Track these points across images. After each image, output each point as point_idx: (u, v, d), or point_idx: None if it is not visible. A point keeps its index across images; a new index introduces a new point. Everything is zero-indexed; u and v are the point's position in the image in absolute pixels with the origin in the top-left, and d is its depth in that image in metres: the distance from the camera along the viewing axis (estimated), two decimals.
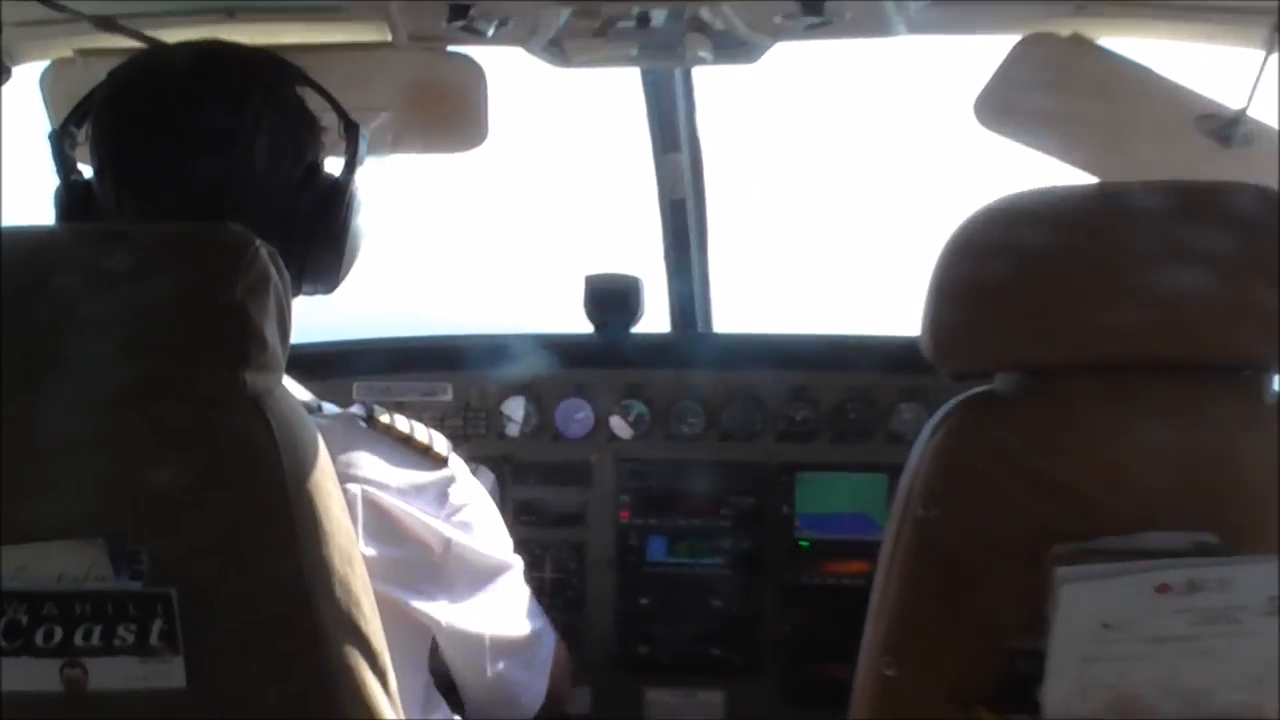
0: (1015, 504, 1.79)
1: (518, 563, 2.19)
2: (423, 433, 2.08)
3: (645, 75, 2.97)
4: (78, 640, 1.66)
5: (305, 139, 2.06)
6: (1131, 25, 2.62)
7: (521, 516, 3.23)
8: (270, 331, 1.65)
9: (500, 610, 2.18)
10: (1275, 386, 1.80)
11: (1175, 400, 1.79)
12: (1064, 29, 2.63)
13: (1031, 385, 1.81)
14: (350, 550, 1.79)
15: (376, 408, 2.08)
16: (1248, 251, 1.75)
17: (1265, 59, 2.41)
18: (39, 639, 1.67)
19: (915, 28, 2.47)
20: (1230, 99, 2.54)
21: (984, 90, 2.69)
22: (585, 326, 3.29)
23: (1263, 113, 2.54)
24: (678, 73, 2.96)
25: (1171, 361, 1.77)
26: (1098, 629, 1.74)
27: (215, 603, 1.70)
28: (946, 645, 1.83)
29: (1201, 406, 1.80)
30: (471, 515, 2.10)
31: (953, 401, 1.84)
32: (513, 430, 3.23)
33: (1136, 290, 1.74)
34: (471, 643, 2.14)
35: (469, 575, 2.08)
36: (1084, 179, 2.64)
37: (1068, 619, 1.73)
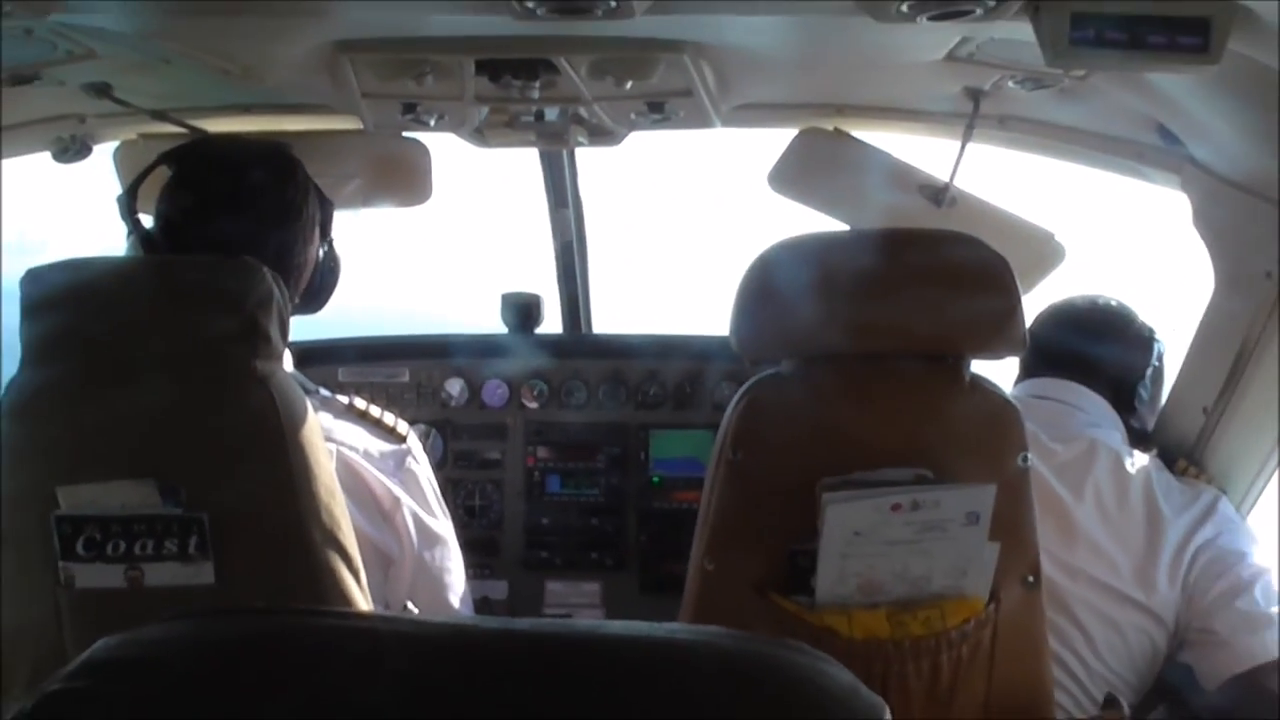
0: (795, 450, 1.79)
1: (453, 538, 2.13)
2: (389, 417, 2.06)
3: (541, 154, 2.95)
4: (136, 550, 1.68)
5: (309, 212, 2.06)
6: (874, 124, 2.64)
7: (458, 462, 3.21)
8: (274, 332, 1.69)
9: (437, 578, 2.12)
10: (969, 370, 1.81)
11: (904, 379, 1.80)
12: (829, 125, 2.63)
13: (807, 368, 1.81)
14: (333, 486, 1.77)
15: (355, 397, 2.05)
16: (952, 277, 1.76)
17: (962, 147, 2.44)
18: (109, 550, 1.68)
19: (728, 123, 2.47)
20: (941, 173, 2.57)
21: (774, 167, 2.69)
22: (503, 329, 3.27)
23: (964, 183, 2.57)
24: (564, 152, 2.93)
25: (901, 352, 1.78)
26: (852, 536, 1.74)
27: (235, 523, 1.69)
28: (749, 549, 1.83)
29: (921, 383, 1.80)
30: (421, 483, 2.06)
31: (752, 379, 1.83)
32: (451, 402, 3.20)
33: (877, 302, 1.75)
34: (429, 573, 2.09)
35: (413, 532, 2.04)
36: (844, 227, 2.66)
37: (831, 529, 1.73)
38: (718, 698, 0.54)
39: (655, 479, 3.17)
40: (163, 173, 2.02)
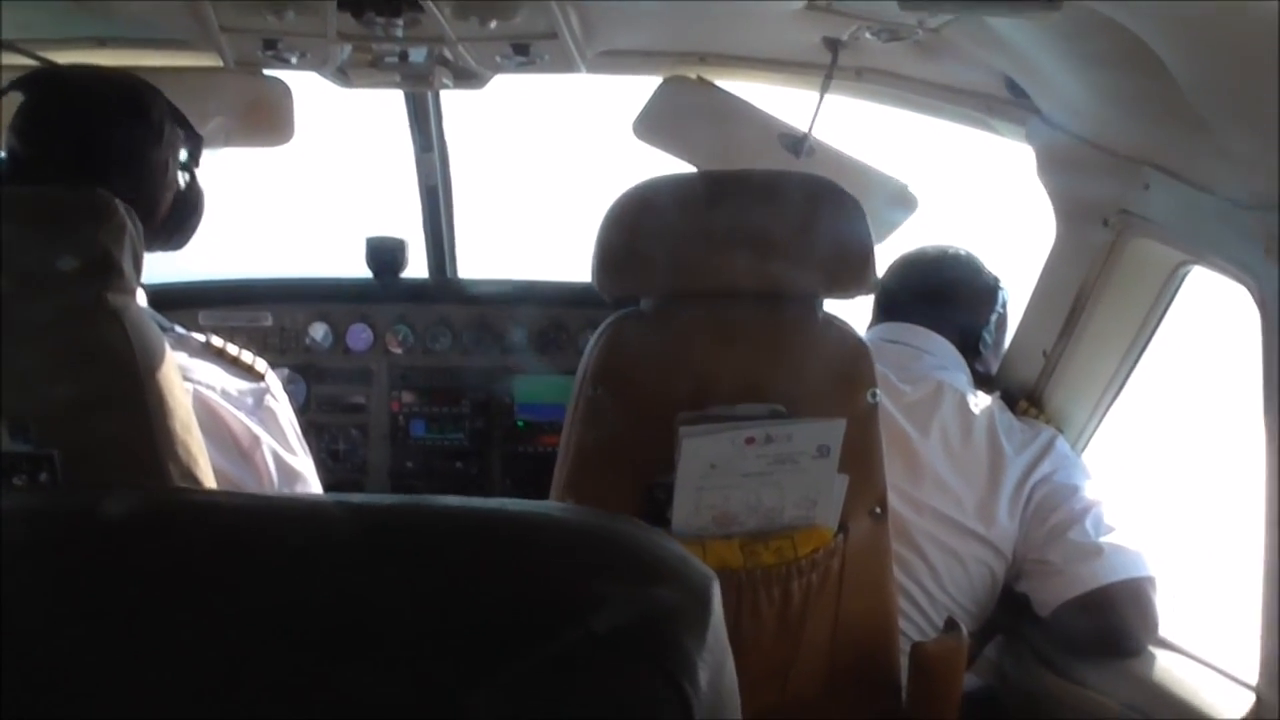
0: (653, 385, 1.81)
1: (314, 476, 2.10)
2: (247, 355, 2.02)
3: (406, 96, 2.91)
4: None
5: (166, 145, 2.00)
6: (737, 73, 2.66)
7: (322, 407, 3.17)
8: (127, 266, 1.63)
9: None
10: (821, 309, 1.85)
11: (758, 317, 1.83)
12: (693, 73, 2.65)
13: (664, 306, 1.83)
14: (189, 422, 1.73)
15: (213, 336, 2.01)
16: (806, 218, 1.79)
17: (820, 97, 2.47)
18: None
19: (593, 69, 2.47)
20: (800, 124, 2.60)
21: (639, 115, 2.70)
22: (367, 273, 3.22)
23: (822, 134, 2.61)
24: (430, 95, 2.90)
25: (756, 290, 1.81)
26: (707, 468, 1.77)
27: (89, 458, 1.63)
28: (607, 483, 1.84)
29: (776, 322, 1.83)
30: (280, 421, 2.03)
31: (611, 317, 1.85)
32: (315, 346, 3.16)
33: (733, 242, 1.77)
34: None
35: (273, 470, 2.01)
36: None
37: (687, 462, 1.76)
38: (550, 567, 0.55)
39: (520, 423, 3.17)
40: (13, 103, 1.94)
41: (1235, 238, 1.71)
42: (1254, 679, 1.77)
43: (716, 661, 0.55)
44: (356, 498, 0.60)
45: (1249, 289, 1.71)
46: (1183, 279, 2.18)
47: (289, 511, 0.58)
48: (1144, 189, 1.96)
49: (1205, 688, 1.94)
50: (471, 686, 0.50)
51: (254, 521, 0.57)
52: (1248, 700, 1.78)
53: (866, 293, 1.86)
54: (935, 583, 2.19)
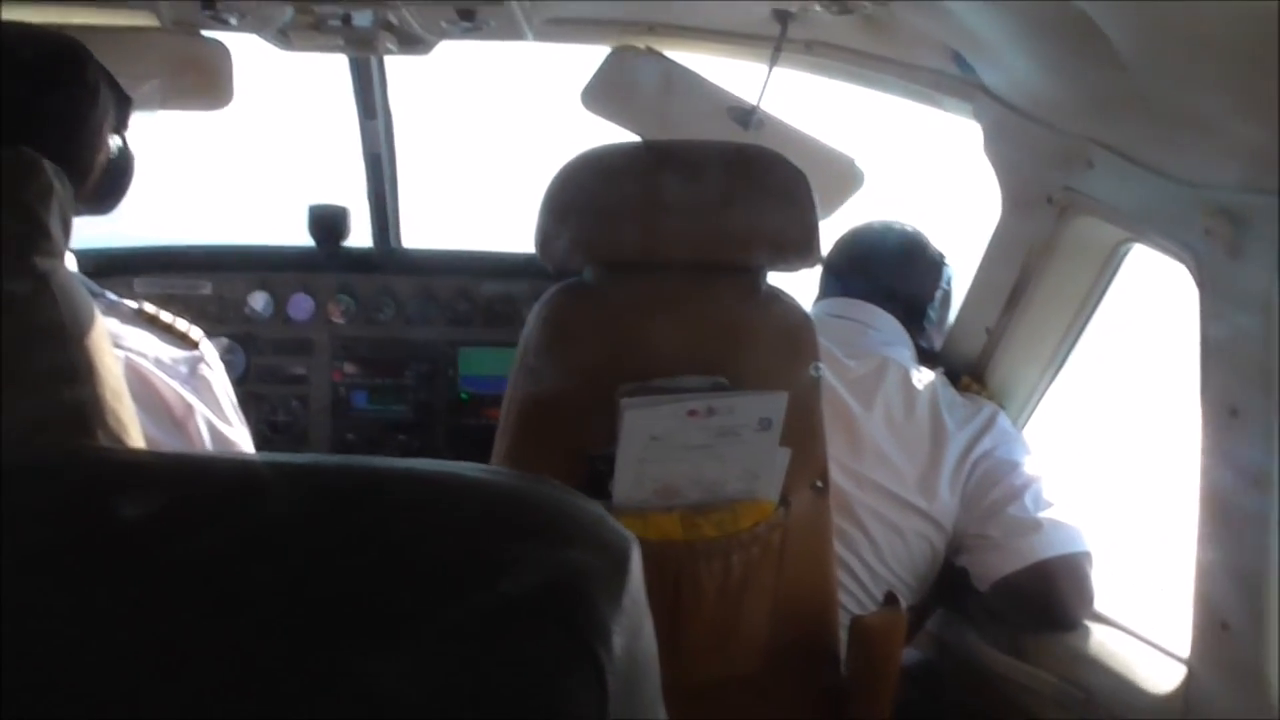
0: (595, 355, 1.80)
1: (249, 446, 2.07)
2: (181, 323, 1.97)
3: (350, 61, 2.86)
4: None
5: (99, 107, 1.94)
6: (686, 44, 2.65)
7: (261, 378, 3.13)
8: (54, 228, 1.57)
9: None
10: (765, 281, 1.85)
11: (702, 289, 1.82)
12: (641, 43, 2.63)
13: (607, 276, 1.82)
14: (120, 390, 1.69)
15: (145, 303, 1.97)
16: (751, 189, 1.79)
17: (769, 70, 2.46)
18: None
19: (541, 36, 2.45)
20: (750, 97, 2.59)
21: (587, 85, 2.68)
22: (309, 242, 3.18)
23: (771, 108, 2.60)
24: (374, 59, 2.86)
25: (700, 261, 1.80)
26: (649, 440, 1.77)
27: (15, 426, 1.59)
28: (549, 454, 1.83)
29: (719, 294, 1.83)
30: (215, 390, 2.00)
31: (554, 287, 1.83)
32: (255, 315, 3.11)
33: (678, 212, 1.76)
34: None
35: (208, 440, 1.98)
36: None
37: (629, 434, 1.75)
38: (460, 528, 0.54)
39: (464, 395, 3.15)
40: None
41: (1176, 217, 1.72)
42: (1186, 652, 1.79)
43: (633, 626, 0.54)
44: (282, 457, 0.59)
45: (1188, 268, 1.72)
46: (1124, 257, 2.19)
47: (205, 470, 0.57)
48: (1088, 166, 1.97)
49: (1139, 661, 1.97)
50: (376, 650, 0.49)
51: (178, 480, 0.56)
52: (1180, 673, 1.81)
53: (811, 266, 1.86)
54: (876, 557, 2.20)
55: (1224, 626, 1.68)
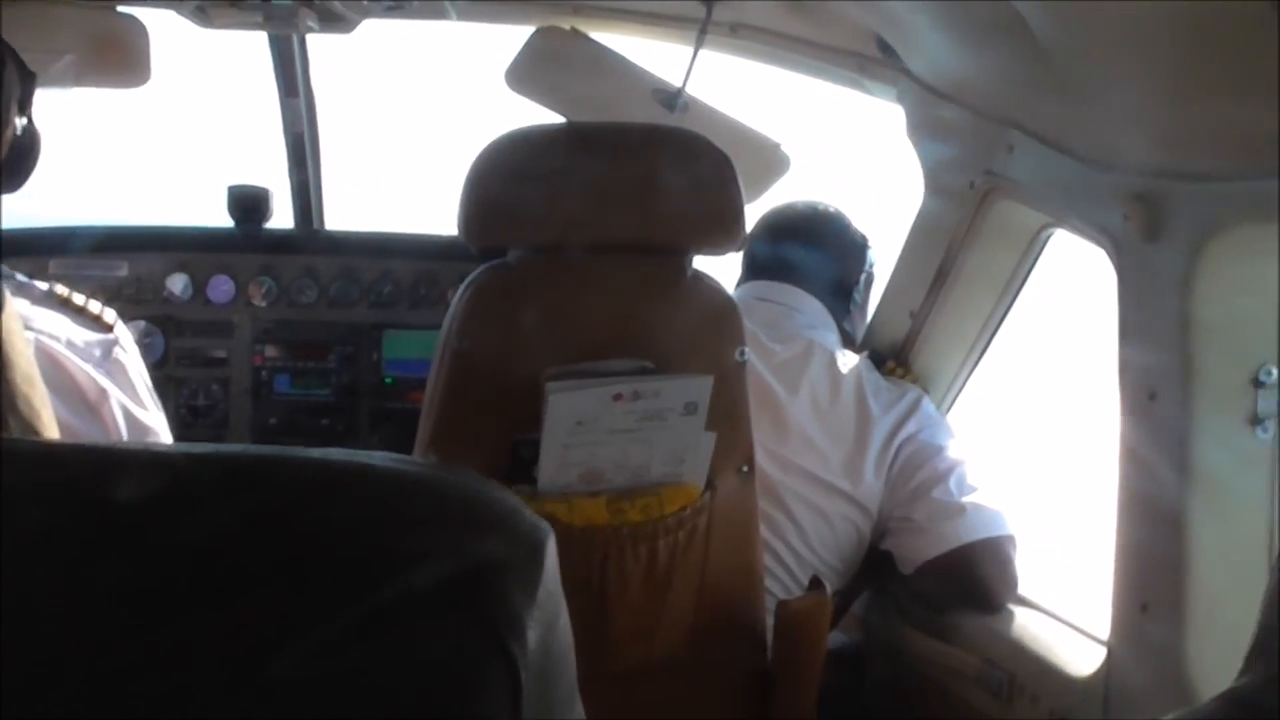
0: (520, 339, 1.78)
1: (165, 430, 2.03)
2: (94, 305, 1.92)
3: (271, 39, 2.81)
4: None
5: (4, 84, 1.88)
6: (611, 25, 2.64)
7: (181, 361, 3.07)
8: None
9: None
10: (691, 265, 1.84)
11: (627, 272, 1.81)
12: (566, 24, 2.61)
13: (532, 258, 1.80)
14: (31, 374, 1.64)
15: (57, 284, 1.91)
16: (676, 172, 1.78)
17: (694, 52, 2.46)
18: None
19: (465, 15, 2.43)
20: (675, 80, 2.58)
21: (511, 64, 2.65)
22: (229, 223, 3.12)
23: (698, 91, 2.59)
24: (295, 37, 2.81)
25: (625, 244, 1.79)
26: (574, 425, 1.76)
27: None
28: (473, 439, 1.82)
29: (645, 277, 1.83)
30: (129, 374, 1.95)
31: (478, 269, 1.81)
32: (174, 298, 3.05)
33: (603, 194, 1.75)
34: None
35: (122, 424, 1.93)
36: None
37: (553, 418, 1.74)
38: (368, 518, 0.52)
39: (388, 379, 3.11)
40: None
41: (1096, 202, 1.74)
42: (1106, 634, 1.82)
43: (548, 619, 0.53)
44: (186, 447, 0.57)
45: (1107, 252, 1.74)
46: (1046, 241, 2.21)
47: (107, 461, 0.55)
48: (1009, 151, 1.98)
49: (1061, 643, 1.99)
50: (280, 645, 0.47)
51: (88, 471, 0.54)
52: (1100, 654, 1.83)
53: (736, 250, 1.86)
54: (802, 541, 2.21)
55: (1143, 608, 1.70)
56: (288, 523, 0.51)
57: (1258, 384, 1.61)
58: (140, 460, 0.55)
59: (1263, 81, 1.30)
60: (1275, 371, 1.61)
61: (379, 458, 0.55)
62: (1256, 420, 1.62)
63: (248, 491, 0.52)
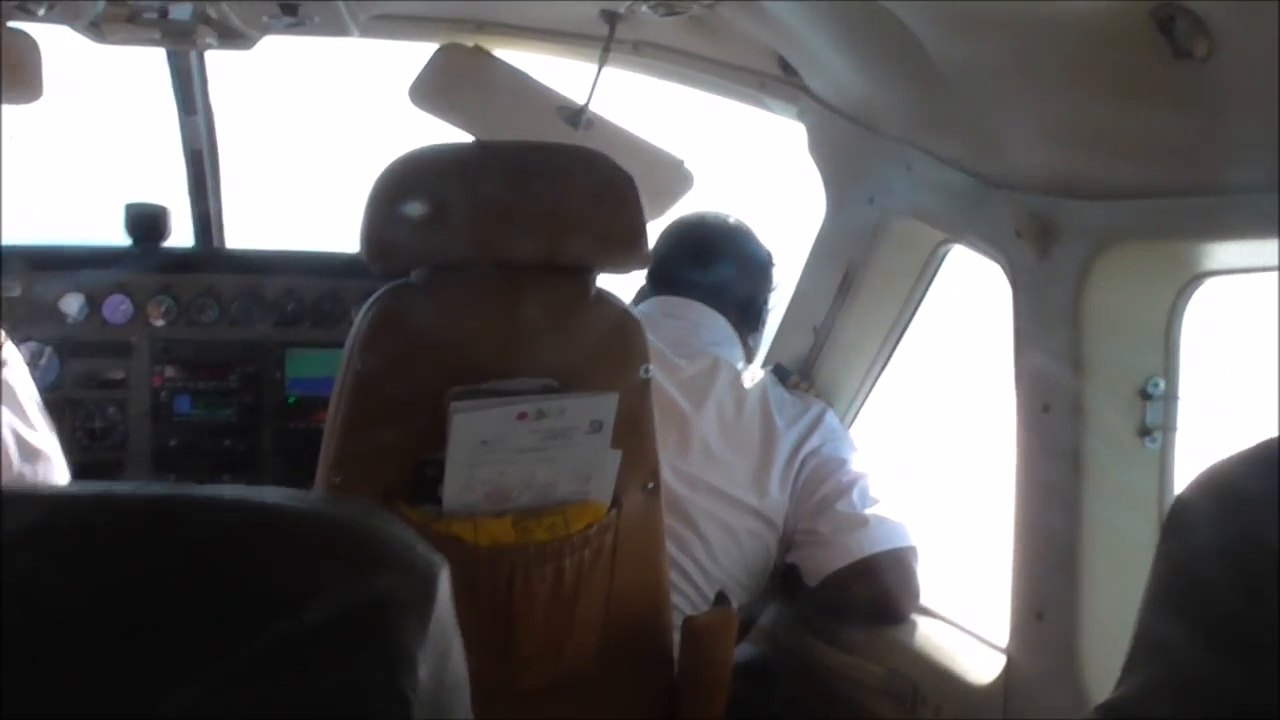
0: (423, 359, 1.78)
1: (58, 453, 1.97)
2: None
3: (168, 55, 2.76)
4: None
5: None
6: (515, 43, 2.64)
7: (77, 383, 2.99)
8: None
9: None
10: (595, 283, 1.85)
11: (530, 291, 1.81)
12: (470, 41, 2.61)
13: (436, 278, 1.80)
14: None
15: None
16: (578, 191, 1.79)
17: (598, 70, 2.47)
18: None
19: (367, 32, 2.41)
20: (580, 97, 2.59)
21: (414, 81, 2.64)
22: (127, 242, 3.06)
23: (603, 108, 2.60)
24: (193, 53, 2.76)
25: (528, 263, 1.79)
26: (479, 444, 1.75)
27: None
28: (377, 459, 1.80)
29: (548, 296, 1.82)
30: (18, 396, 1.90)
31: (381, 289, 1.80)
32: (69, 318, 2.98)
33: (505, 214, 1.75)
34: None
35: (12, 447, 1.88)
36: None
37: (458, 438, 1.73)
38: (257, 555, 0.52)
39: (291, 399, 3.07)
40: None
41: (991, 219, 1.77)
42: (1005, 642, 1.85)
43: (439, 651, 0.53)
44: (75, 488, 0.56)
45: (1002, 268, 1.78)
46: (944, 257, 2.25)
47: (45, 505, 0.53)
48: (907, 169, 2.02)
49: (962, 651, 2.03)
50: (166, 689, 0.46)
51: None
52: (1000, 662, 1.87)
53: (639, 268, 1.87)
54: (709, 556, 2.22)
55: (1039, 616, 1.74)
56: (173, 564, 0.50)
57: (1146, 396, 1.66)
58: (18, 502, 0.54)
59: (1146, 105, 1.34)
60: (1163, 384, 1.66)
61: (270, 493, 0.54)
62: (1145, 431, 1.66)
63: (132, 534, 0.51)
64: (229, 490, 0.54)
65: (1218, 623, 0.57)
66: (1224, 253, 1.58)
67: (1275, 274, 1.56)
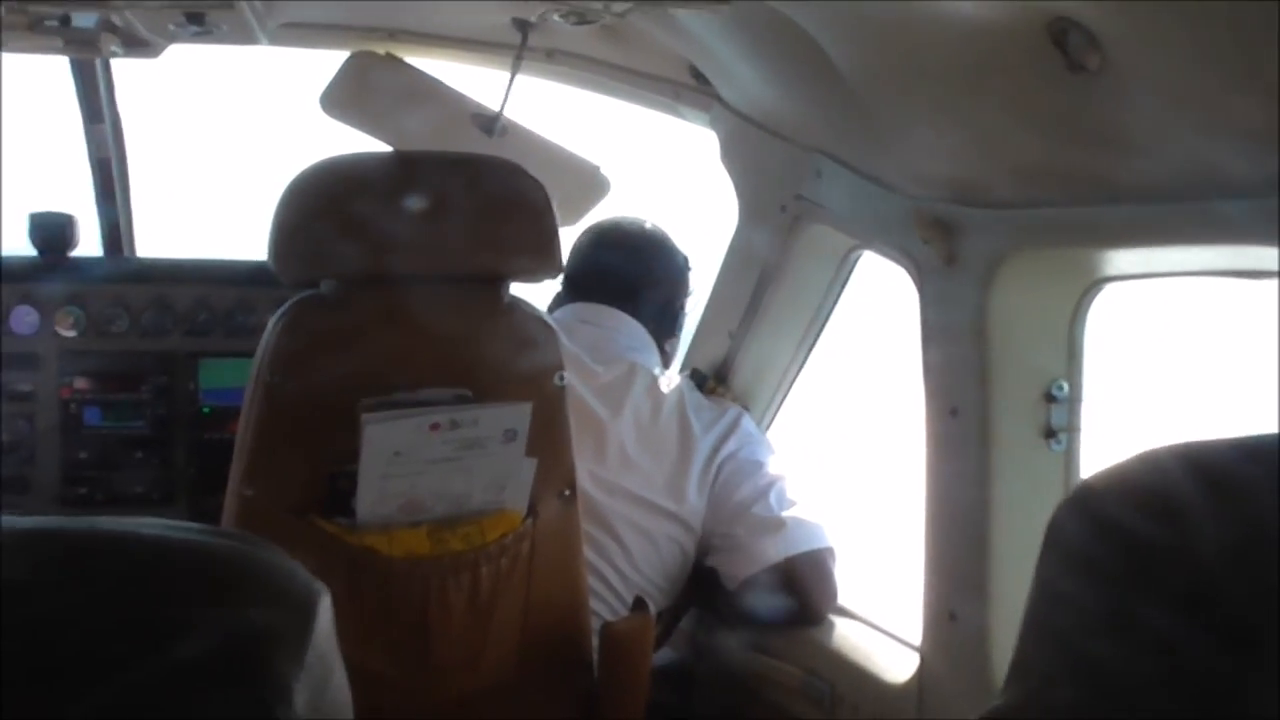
0: (334, 371, 1.76)
1: None
2: None
3: (72, 63, 2.71)
4: None
5: None
6: (427, 51, 2.62)
7: None
8: None
9: None
10: (508, 292, 1.84)
11: (443, 301, 1.81)
12: (382, 49, 2.59)
13: (345, 289, 1.78)
14: None
15: None
16: (489, 201, 1.78)
17: (511, 78, 2.46)
18: None
19: (276, 40, 2.37)
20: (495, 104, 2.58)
21: (325, 89, 2.62)
22: (32, 251, 2.99)
23: (518, 115, 2.60)
24: (98, 61, 2.71)
25: (440, 274, 1.79)
26: (392, 455, 1.74)
27: None
28: (288, 472, 1.79)
29: (461, 305, 1.82)
30: None
31: (290, 300, 1.78)
32: None
33: (416, 224, 1.74)
34: None
35: None
36: None
37: (371, 449, 1.72)
38: (129, 590, 0.51)
39: (205, 409, 3.02)
40: None
41: (897, 224, 1.80)
42: (919, 641, 1.88)
43: (318, 680, 0.53)
44: None
45: (910, 274, 1.80)
46: (855, 263, 2.28)
47: None
48: (816, 176, 2.04)
49: (877, 651, 2.05)
50: None
51: None
52: (914, 661, 1.89)
53: (552, 277, 1.86)
54: (627, 562, 2.22)
55: (951, 616, 1.77)
56: (44, 599, 0.49)
57: (1051, 399, 1.69)
58: None
59: (1044, 116, 1.37)
60: (1067, 386, 1.70)
61: (147, 524, 0.54)
62: (1051, 433, 1.70)
63: (9, 563, 0.50)
64: (105, 522, 0.53)
65: (1079, 645, 0.59)
66: (1123, 259, 1.61)
67: (1172, 279, 1.60)
